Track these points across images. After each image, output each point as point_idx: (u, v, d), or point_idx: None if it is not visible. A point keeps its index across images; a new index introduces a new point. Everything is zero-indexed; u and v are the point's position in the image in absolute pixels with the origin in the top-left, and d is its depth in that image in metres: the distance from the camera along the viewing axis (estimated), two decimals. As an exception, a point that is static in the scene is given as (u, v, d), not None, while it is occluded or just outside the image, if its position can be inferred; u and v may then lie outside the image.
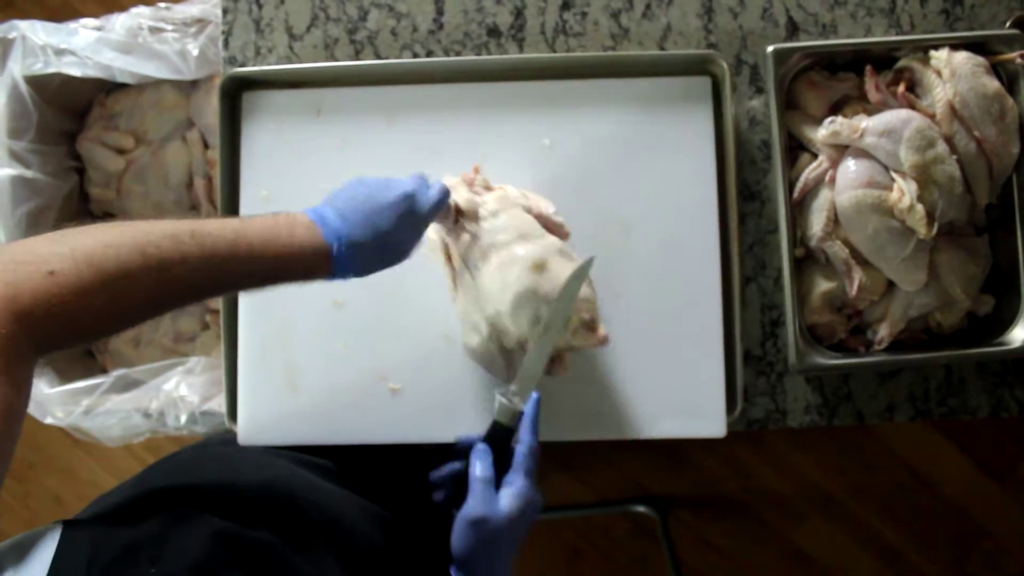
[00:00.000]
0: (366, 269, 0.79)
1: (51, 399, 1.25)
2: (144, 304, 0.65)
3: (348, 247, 0.76)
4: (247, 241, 0.70)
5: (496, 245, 0.88)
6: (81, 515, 0.69)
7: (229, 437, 1.04)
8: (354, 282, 0.80)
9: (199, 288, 0.69)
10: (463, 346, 0.96)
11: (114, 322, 0.64)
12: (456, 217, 0.89)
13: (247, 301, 1.03)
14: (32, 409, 1.24)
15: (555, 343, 0.86)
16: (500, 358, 0.92)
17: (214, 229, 0.69)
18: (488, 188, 0.94)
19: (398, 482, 1.05)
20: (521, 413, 0.85)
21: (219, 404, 1.18)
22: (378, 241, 0.78)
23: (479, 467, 0.82)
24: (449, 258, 0.94)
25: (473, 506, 0.80)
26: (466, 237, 0.89)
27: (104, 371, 1.41)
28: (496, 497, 0.80)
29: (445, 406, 1.01)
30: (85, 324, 0.61)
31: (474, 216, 0.89)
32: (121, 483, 0.82)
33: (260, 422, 1.02)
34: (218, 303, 1.08)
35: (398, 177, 0.82)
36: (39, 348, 0.59)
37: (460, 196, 0.90)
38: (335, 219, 0.76)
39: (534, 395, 0.85)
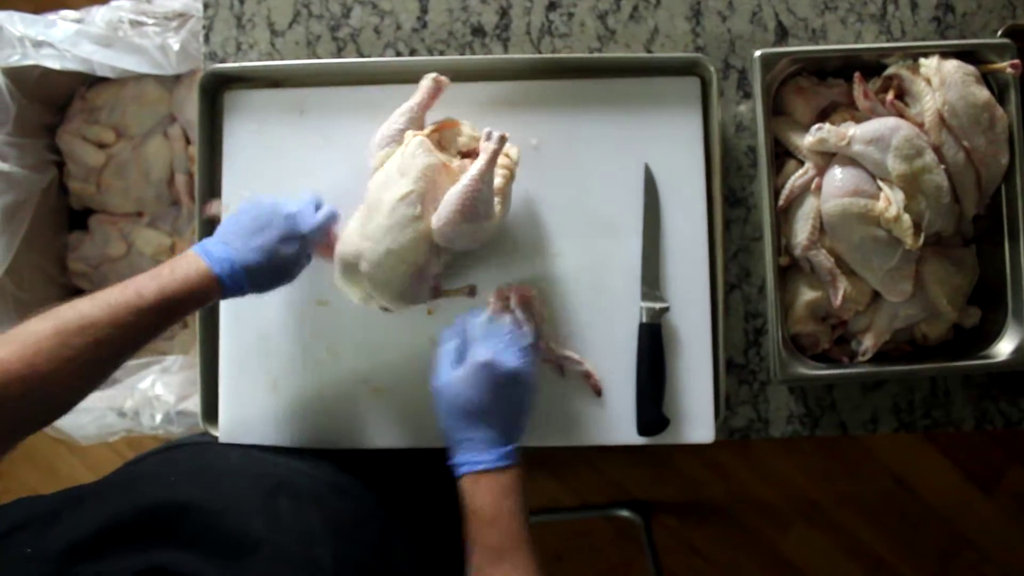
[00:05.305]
0: (258, 286, 0.88)
1: (25, 396, 1.22)
2: (81, 376, 0.78)
3: (232, 269, 0.85)
4: (135, 288, 0.80)
5: None
6: None
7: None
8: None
9: (121, 346, 0.79)
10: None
11: (56, 397, 0.77)
12: None
13: (228, 302, 1.01)
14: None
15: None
16: None
17: (111, 289, 0.80)
18: None
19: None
20: None
21: (195, 404, 1.16)
22: (262, 260, 0.86)
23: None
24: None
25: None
26: None
27: (81, 368, 1.39)
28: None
29: (428, 409, 0.99)
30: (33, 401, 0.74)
31: None
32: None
33: (241, 421, 1.01)
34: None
35: (289, 198, 0.91)
36: None
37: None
38: (217, 247, 0.86)
39: None
